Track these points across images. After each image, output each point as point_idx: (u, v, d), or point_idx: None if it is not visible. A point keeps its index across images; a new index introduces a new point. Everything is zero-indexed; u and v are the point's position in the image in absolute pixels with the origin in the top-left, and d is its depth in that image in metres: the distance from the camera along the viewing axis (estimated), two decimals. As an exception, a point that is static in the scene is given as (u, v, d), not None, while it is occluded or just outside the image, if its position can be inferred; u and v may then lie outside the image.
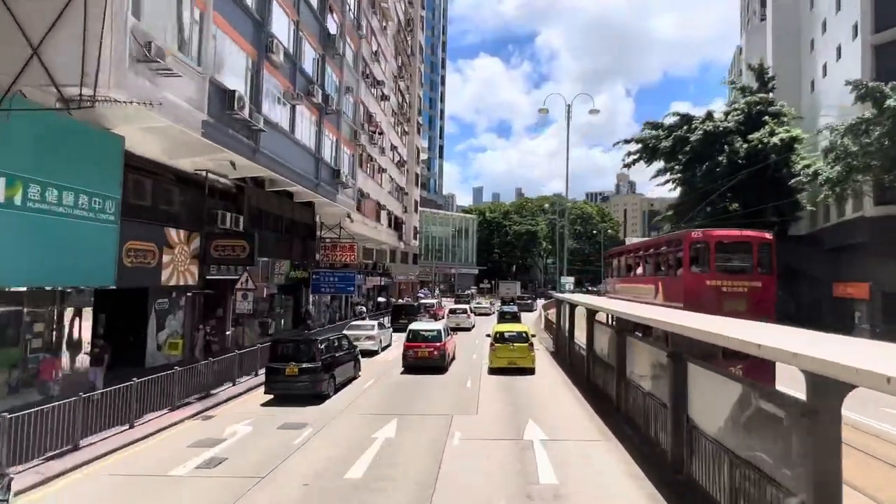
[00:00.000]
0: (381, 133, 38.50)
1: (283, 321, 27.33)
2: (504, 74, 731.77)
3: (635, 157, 43.73)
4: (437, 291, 75.59)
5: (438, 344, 19.80)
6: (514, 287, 74.33)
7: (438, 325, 21.40)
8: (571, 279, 31.91)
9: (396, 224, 48.48)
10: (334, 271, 29.98)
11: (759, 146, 32.87)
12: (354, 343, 22.30)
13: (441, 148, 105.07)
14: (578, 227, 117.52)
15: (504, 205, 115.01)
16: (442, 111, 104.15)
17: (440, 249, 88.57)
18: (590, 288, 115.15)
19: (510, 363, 18.99)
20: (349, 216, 31.54)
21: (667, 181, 44.67)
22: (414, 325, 21.73)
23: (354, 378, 19.34)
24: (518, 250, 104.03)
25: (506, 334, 19.58)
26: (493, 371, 19.36)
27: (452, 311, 37.34)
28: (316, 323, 31.58)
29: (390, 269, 48.45)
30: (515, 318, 33.66)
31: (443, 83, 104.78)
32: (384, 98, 40.93)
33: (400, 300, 49.78)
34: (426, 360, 19.58)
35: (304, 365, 16.36)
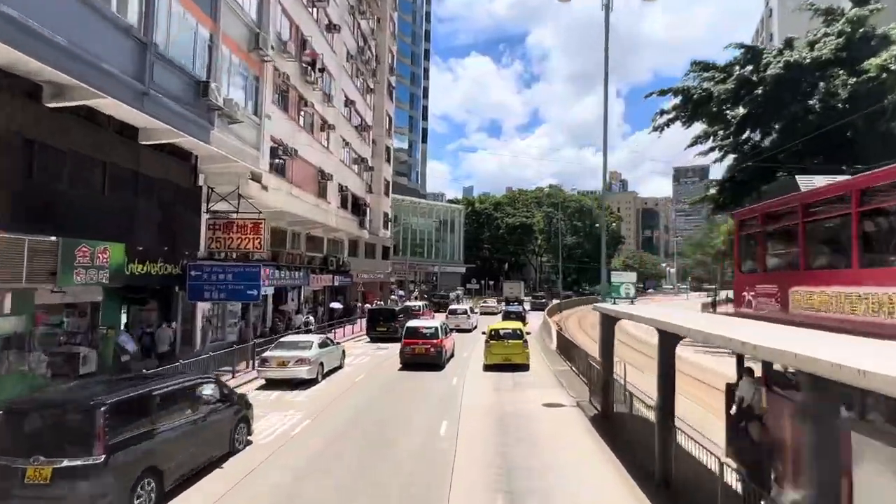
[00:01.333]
0: (323, 70, 27.04)
1: (111, 353, 15.66)
2: (495, 74, 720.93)
3: (670, 116, 32.75)
4: (415, 293, 64.32)
5: (436, 341, 19.57)
6: (518, 287, 68.59)
7: (436, 323, 21.19)
8: (633, 277, 20.56)
9: (356, 206, 37.07)
10: (227, 265, 18.59)
11: (884, 75, 21.76)
12: (282, 367, 16.56)
13: (425, 132, 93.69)
14: (577, 222, 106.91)
15: (495, 197, 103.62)
16: (426, 89, 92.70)
17: (421, 244, 77.12)
18: (586, 289, 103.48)
19: (504, 359, 19.04)
20: (256, 178, 20.09)
21: (711, 149, 33.73)
22: (412, 323, 21.57)
23: (230, 454, 10.17)
24: (511, 246, 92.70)
25: (501, 331, 20.04)
26: (489, 368, 19.07)
27: (452, 312, 35.21)
28: (195, 349, 20.26)
29: (348, 264, 37.08)
30: (519, 318, 33.85)
31: (427, 58, 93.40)
32: (332, 28, 29.51)
33: (368, 304, 38.71)
34: (423, 357, 19.27)
35: (67, 462, 7.33)
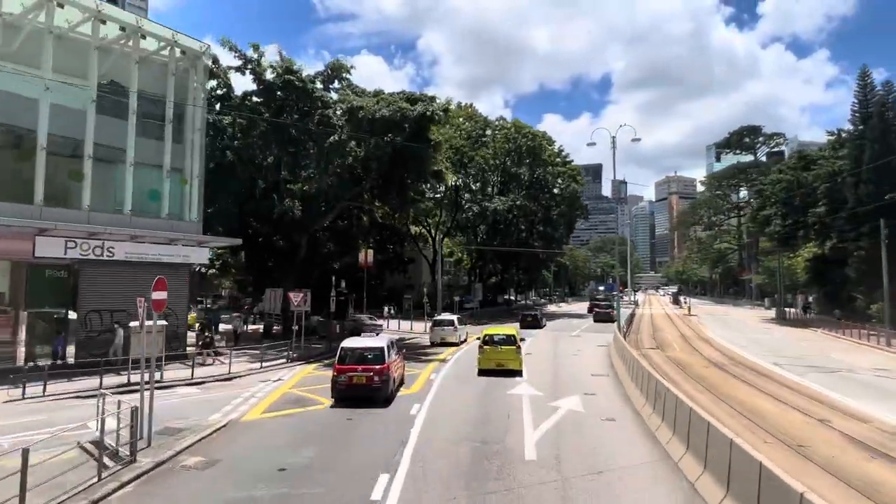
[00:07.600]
0: None
1: None
2: (388, 75, 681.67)
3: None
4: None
5: (379, 367, 14.82)
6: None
7: (381, 343, 15.96)
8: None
9: None
10: None
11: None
12: None
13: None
14: (515, 167, 56.35)
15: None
16: None
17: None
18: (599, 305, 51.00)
19: (498, 365, 19.35)
20: None
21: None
22: (347, 343, 16.11)
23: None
24: (376, 190, 33.58)
25: (495, 337, 20.14)
26: (483, 373, 19.23)
27: (437, 323, 30.23)
28: None
29: None
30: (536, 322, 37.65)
31: None
32: None
33: None
34: (361, 389, 14.71)
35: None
